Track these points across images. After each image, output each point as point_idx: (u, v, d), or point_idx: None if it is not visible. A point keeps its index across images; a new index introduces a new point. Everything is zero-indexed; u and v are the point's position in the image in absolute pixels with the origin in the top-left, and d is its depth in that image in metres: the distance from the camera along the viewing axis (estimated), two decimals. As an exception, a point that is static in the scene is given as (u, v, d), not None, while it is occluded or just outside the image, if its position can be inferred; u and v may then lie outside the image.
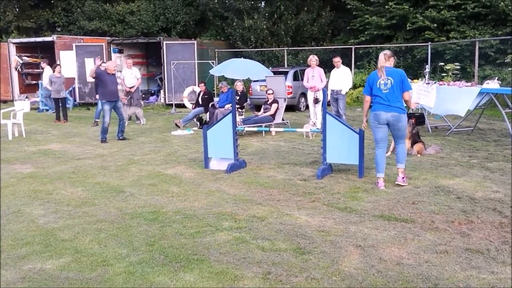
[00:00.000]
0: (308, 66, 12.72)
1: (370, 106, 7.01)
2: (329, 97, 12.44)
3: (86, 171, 8.38)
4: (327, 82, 12.41)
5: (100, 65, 14.13)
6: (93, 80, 18.77)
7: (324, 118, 7.66)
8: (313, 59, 12.53)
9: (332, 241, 4.84)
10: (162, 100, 20.13)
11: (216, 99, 14.55)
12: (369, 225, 5.29)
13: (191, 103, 17.70)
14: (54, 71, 15.90)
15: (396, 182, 6.93)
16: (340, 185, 7.06)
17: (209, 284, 3.98)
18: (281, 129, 10.43)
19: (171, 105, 18.94)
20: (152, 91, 22.63)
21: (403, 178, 6.96)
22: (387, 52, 6.93)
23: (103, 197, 6.68)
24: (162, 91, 20.37)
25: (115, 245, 4.84)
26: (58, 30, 26.66)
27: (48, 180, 7.70)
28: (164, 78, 19.59)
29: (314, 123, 11.91)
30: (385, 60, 6.80)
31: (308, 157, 9.22)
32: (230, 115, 8.13)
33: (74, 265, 4.40)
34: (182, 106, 18.57)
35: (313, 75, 12.36)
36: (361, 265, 4.27)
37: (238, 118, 11.35)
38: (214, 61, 19.56)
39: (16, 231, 5.33)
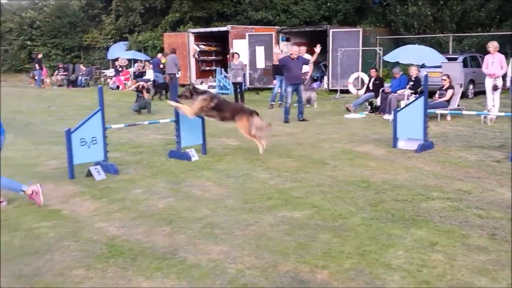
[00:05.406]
0: (487, 52, 12.63)
1: None
2: (508, 84, 12.33)
3: (284, 145, 9.39)
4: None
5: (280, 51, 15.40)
6: (264, 67, 20.50)
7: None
8: (490, 45, 12.44)
9: (548, 214, 5.18)
10: (325, 86, 20.94)
11: (386, 84, 14.94)
12: None
13: (356, 89, 18.33)
14: (232, 59, 17.69)
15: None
16: (538, 167, 7.21)
17: (440, 239, 4.60)
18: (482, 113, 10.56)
19: (335, 90, 19.67)
20: (315, 77, 23.52)
21: None
22: None
23: (312, 167, 7.58)
24: (325, 77, 21.18)
25: (342, 204, 5.65)
26: (227, 20, 28.68)
27: (255, 152, 8.63)
28: (329, 65, 20.35)
29: (489, 110, 11.87)
30: None
31: (493, 141, 9.36)
32: (422, 97, 8.60)
33: (317, 216, 5.29)
34: (345, 91, 19.22)
35: (493, 61, 12.27)
36: None
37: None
38: (380, 48, 19.86)
39: (255, 189, 6.41)
